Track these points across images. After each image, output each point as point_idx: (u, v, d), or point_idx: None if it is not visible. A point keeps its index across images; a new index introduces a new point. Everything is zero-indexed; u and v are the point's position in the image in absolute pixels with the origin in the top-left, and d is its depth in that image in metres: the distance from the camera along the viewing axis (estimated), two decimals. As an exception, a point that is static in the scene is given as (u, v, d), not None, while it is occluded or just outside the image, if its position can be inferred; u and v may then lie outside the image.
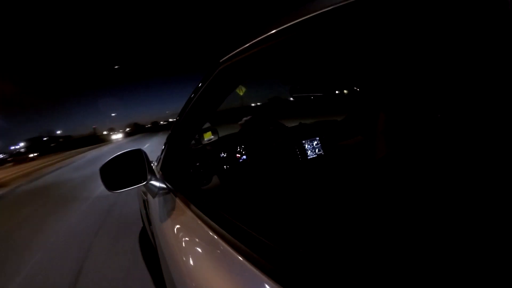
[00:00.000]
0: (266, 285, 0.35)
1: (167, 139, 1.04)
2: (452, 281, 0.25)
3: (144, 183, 0.81)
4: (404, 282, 0.28)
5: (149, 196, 1.01)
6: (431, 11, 0.27)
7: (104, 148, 19.36)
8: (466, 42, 0.26)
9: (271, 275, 0.35)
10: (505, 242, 0.23)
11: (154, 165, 1.20)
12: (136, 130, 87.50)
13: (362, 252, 0.34)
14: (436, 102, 0.37)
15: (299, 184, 0.96)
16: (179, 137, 0.96)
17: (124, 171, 0.83)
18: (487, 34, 0.24)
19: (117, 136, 39.98)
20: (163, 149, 1.08)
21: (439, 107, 0.36)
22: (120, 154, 0.86)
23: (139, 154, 0.83)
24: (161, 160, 1.10)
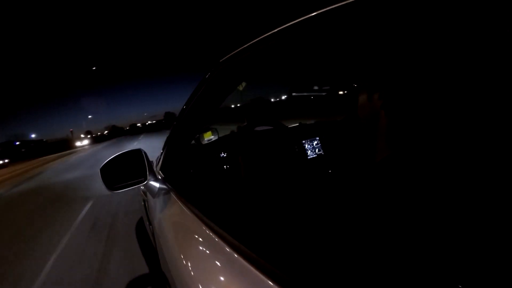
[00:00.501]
0: (267, 286, 0.36)
1: (167, 139, 1.08)
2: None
3: (144, 183, 0.85)
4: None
5: (149, 196, 1.03)
6: (433, 10, 0.29)
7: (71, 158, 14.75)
8: (472, 40, 0.28)
9: (272, 276, 0.36)
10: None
11: (154, 165, 1.23)
12: (112, 133, 77.27)
13: (364, 255, 0.33)
14: (441, 101, 0.37)
15: (299, 184, 1.01)
16: (179, 137, 0.99)
17: (124, 171, 0.86)
18: (489, 33, 0.25)
19: (82, 143, 36.50)
20: (163, 150, 1.12)
21: (445, 107, 0.36)
22: (120, 154, 0.90)
23: (139, 154, 0.87)
24: (161, 160, 1.13)
